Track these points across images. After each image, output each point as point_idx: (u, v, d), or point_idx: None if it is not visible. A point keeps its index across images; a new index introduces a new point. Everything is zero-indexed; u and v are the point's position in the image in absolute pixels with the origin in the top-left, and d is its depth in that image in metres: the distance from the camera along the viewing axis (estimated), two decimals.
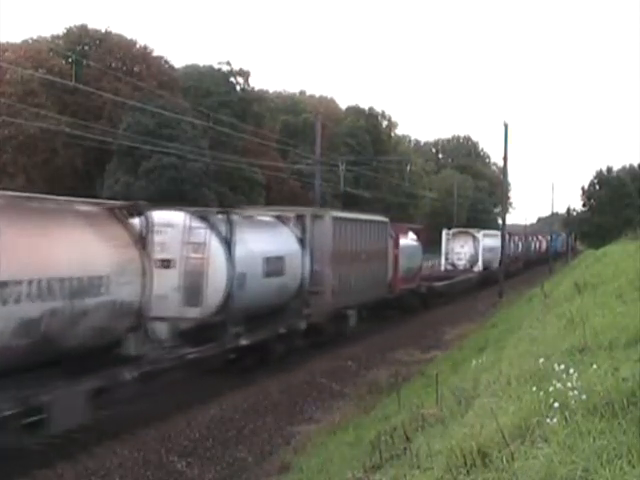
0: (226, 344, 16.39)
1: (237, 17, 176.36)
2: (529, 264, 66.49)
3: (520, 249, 62.85)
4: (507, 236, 55.10)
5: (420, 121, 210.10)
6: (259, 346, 18.07)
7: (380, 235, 27.32)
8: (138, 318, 12.63)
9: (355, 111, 78.94)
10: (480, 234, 48.09)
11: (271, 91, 74.36)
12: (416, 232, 36.42)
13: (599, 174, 61.67)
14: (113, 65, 54.32)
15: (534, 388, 5.71)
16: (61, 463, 11.48)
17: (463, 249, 47.35)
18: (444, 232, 47.98)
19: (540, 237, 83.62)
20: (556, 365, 5.89)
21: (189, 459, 12.53)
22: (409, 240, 34.13)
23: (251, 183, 56.59)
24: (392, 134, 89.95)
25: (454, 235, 47.86)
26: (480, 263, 47.11)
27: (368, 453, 9.10)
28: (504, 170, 45.27)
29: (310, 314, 20.78)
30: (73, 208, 12.36)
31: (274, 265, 18.53)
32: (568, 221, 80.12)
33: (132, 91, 47.10)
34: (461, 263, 47.06)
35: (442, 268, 47.20)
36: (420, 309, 34.02)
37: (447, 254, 47.37)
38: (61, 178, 51.21)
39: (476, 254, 47.25)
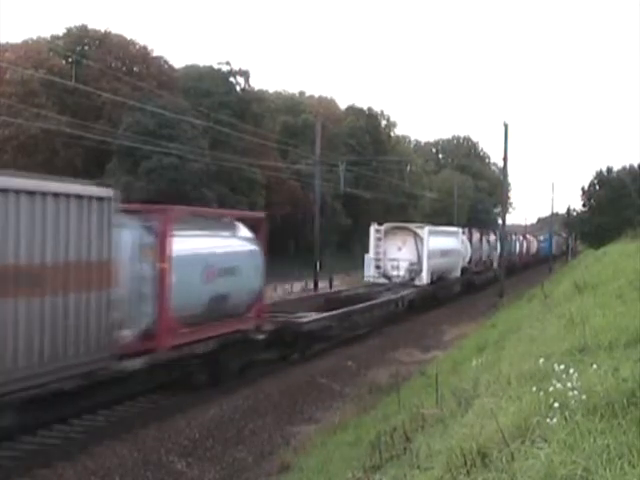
0: None
1: (237, 17, 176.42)
2: (510, 271, 53.64)
3: (496, 252, 50.54)
4: (472, 234, 46.04)
5: (420, 121, 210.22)
6: None
7: (80, 227, 12.08)
8: None
9: (355, 111, 78.90)
10: (425, 231, 34.52)
11: (271, 91, 74.35)
12: (252, 223, 19.16)
13: (599, 174, 61.53)
14: (113, 65, 54.27)
15: (534, 388, 5.71)
16: (61, 463, 11.48)
17: (400, 253, 33.94)
18: (372, 228, 34.69)
19: (528, 237, 74.38)
20: (556, 365, 5.89)
21: (189, 459, 12.53)
22: (229, 239, 17.80)
23: (251, 183, 56.56)
24: (392, 134, 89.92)
25: (387, 232, 34.53)
26: (425, 274, 33.73)
27: (368, 453, 9.10)
28: (504, 170, 45.23)
29: None
30: None
31: None
32: (568, 221, 79.95)
33: (132, 91, 47.06)
34: (398, 274, 33.67)
35: (369, 280, 34.14)
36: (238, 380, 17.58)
37: (378, 261, 34.02)
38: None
39: (419, 261, 33.85)
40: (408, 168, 69.25)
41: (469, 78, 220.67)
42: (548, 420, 4.82)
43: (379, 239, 34.21)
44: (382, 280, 33.34)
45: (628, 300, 10.18)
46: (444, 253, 36.60)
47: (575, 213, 71.45)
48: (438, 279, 36.10)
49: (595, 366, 5.72)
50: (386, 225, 35.10)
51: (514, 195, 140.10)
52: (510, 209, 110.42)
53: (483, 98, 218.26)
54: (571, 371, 5.48)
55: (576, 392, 5.01)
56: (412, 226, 35.63)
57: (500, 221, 49.95)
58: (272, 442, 13.87)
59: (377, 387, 17.67)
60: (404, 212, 71.34)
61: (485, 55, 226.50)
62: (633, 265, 15.09)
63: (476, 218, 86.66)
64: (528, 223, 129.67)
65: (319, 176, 37.72)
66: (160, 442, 13.01)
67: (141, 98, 45.22)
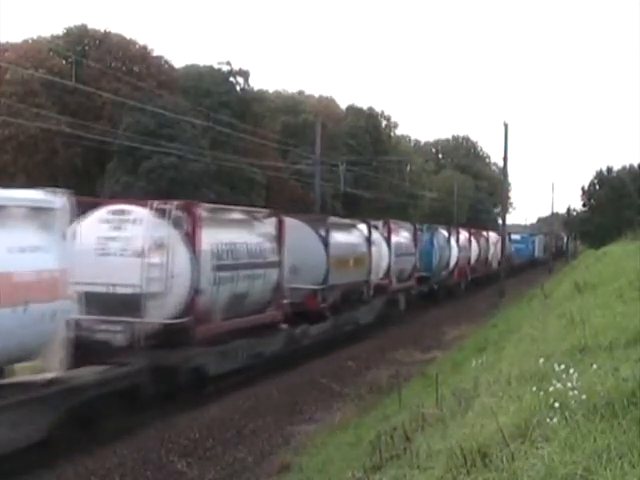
0: None
1: (237, 17, 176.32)
2: (429, 297, 34.99)
3: (391, 262, 28.25)
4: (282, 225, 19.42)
5: (420, 121, 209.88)
6: None
7: None
8: None
9: (355, 111, 78.81)
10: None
11: (271, 91, 74.28)
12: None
13: (599, 174, 61.71)
14: (113, 65, 54.27)
15: (534, 388, 5.72)
16: (61, 463, 11.48)
17: None
18: None
19: (487, 235, 49.62)
20: (556, 365, 5.89)
21: (189, 459, 12.52)
22: None
23: (251, 183, 56.52)
24: (392, 134, 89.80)
25: None
26: None
27: (368, 453, 9.09)
28: (504, 170, 45.25)
29: None
30: None
31: None
32: (568, 221, 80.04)
33: (132, 91, 47.05)
34: None
35: None
36: None
37: None
38: (61, 178, 51.17)
39: None
40: (408, 168, 69.26)
41: (469, 78, 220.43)
42: (548, 420, 4.82)
43: None
44: None
45: (628, 300, 10.20)
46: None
47: (575, 213, 71.55)
48: None
49: (595, 366, 5.72)
50: None
51: (514, 195, 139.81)
52: (510, 209, 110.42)
53: (483, 98, 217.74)
54: (571, 371, 5.48)
55: (576, 392, 5.02)
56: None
57: (500, 221, 49.84)
58: (272, 442, 13.84)
59: (377, 387, 17.67)
60: (404, 212, 71.34)
61: (485, 55, 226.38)
62: (633, 265, 15.10)
63: (476, 218, 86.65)
64: (528, 223, 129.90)
65: (319, 176, 37.71)
66: (160, 442, 13.00)
67: (141, 98, 45.21)
